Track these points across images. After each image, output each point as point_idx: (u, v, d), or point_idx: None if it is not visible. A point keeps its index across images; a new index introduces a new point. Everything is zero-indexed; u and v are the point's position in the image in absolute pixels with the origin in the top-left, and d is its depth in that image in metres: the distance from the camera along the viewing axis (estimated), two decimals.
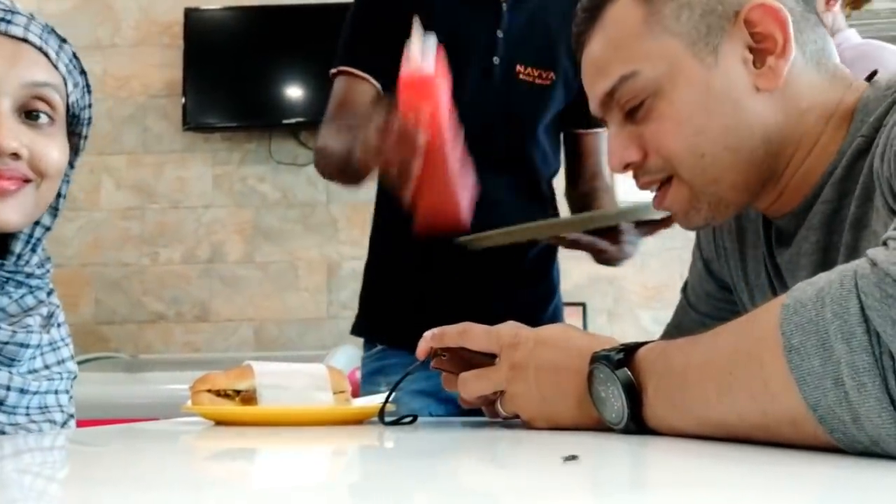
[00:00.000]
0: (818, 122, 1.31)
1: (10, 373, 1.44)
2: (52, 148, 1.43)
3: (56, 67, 1.45)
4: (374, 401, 1.53)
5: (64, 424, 1.53)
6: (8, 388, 1.43)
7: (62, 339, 1.60)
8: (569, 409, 1.18)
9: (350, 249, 5.37)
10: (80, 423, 1.60)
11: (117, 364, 4.47)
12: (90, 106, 1.55)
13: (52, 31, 1.47)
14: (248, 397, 1.43)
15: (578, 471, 0.76)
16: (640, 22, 1.34)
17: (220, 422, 1.42)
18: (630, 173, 1.42)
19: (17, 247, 1.50)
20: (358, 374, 4.81)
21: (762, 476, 0.72)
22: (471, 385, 1.28)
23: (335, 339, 5.20)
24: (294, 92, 5.42)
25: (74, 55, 1.51)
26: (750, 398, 0.88)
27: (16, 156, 1.36)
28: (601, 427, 1.13)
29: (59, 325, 1.60)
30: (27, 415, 1.47)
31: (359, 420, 1.43)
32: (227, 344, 5.29)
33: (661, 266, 5.35)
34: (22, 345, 1.46)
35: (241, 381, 1.43)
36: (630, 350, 1.10)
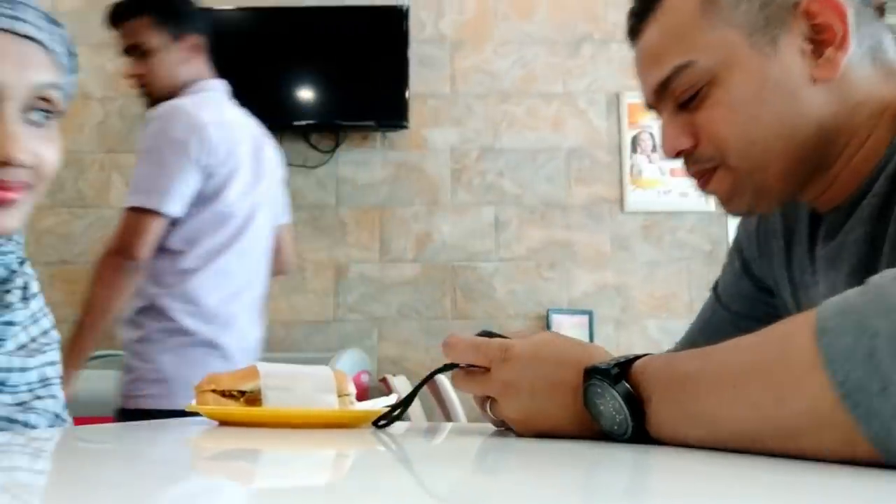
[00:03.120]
0: (872, 115, 1.32)
1: (3, 355, 1.43)
2: (52, 150, 1.40)
3: (59, 64, 1.42)
4: (378, 404, 1.53)
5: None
6: (9, 370, 1.42)
7: (41, 310, 1.57)
8: (564, 421, 1.17)
9: (358, 252, 5.38)
10: (83, 420, 1.61)
11: (120, 362, 4.47)
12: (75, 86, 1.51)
13: (50, 19, 1.42)
14: (252, 398, 1.43)
15: (577, 477, 0.76)
16: (697, 12, 1.35)
17: (224, 422, 1.43)
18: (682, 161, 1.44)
19: None
20: (364, 378, 4.83)
21: (762, 486, 0.72)
22: (463, 385, 1.28)
23: (341, 342, 5.21)
24: (304, 94, 5.43)
25: (68, 40, 1.46)
26: (769, 396, 0.86)
27: (16, 164, 1.33)
28: (597, 436, 1.12)
29: (34, 296, 1.55)
30: (30, 391, 1.46)
31: (363, 423, 1.43)
32: None
33: (669, 276, 5.35)
34: (8, 323, 1.45)
35: (247, 382, 1.44)
36: (624, 364, 1.09)
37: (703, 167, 1.41)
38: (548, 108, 5.56)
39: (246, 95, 5.51)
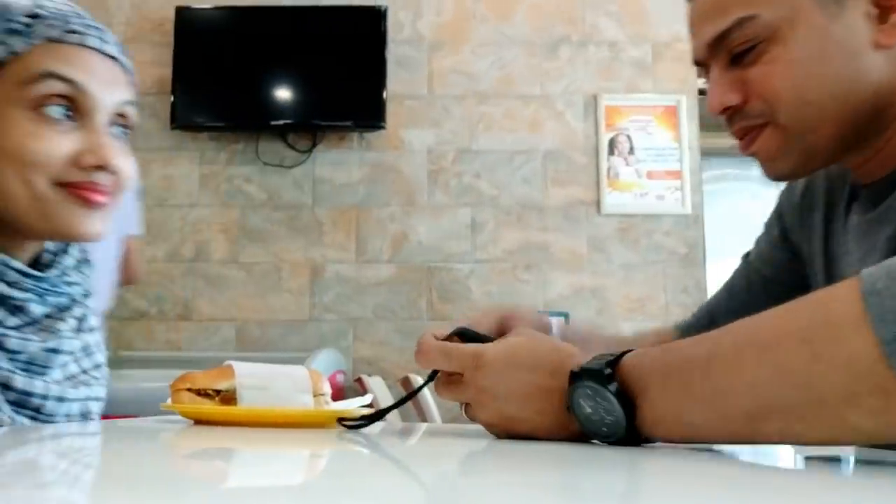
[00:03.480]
0: None
1: (45, 381, 1.45)
2: (130, 163, 1.48)
3: (132, 84, 1.53)
4: (354, 404, 1.53)
5: None
6: (45, 398, 1.44)
7: (97, 344, 1.62)
8: (542, 425, 1.14)
9: (334, 253, 5.38)
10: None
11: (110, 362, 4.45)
12: None
13: (120, 43, 1.53)
14: (228, 397, 1.43)
15: (559, 476, 0.76)
16: None
17: (199, 421, 1.42)
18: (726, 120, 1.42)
19: (48, 252, 1.55)
20: (339, 378, 4.82)
21: (755, 485, 0.72)
22: (439, 392, 1.25)
23: (317, 342, 5.21)
24: (283, 93, 5.43)
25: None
26: (803, 353, 0.84)
27: (111, 170, 1.42)
28: (575, 438, 1.11)
29: (91, 330, 1.61)
30: (69, 422, 1.47)
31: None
32: (209, 343, 5.29)
33: (645, 279, 5.37)
34: (53, 351, 1.47)
35: (222, 381, 1.43)
36: (613, 362, 1.06)
37: (752, 123, 1.38)
38: (525, 109, 5.57)
39: (224, 95, 5.52)
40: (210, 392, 1.43)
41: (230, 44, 5.49)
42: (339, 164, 5.50)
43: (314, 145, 5.49)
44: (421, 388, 1.30)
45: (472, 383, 1.19)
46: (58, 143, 1.38)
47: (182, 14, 5.44)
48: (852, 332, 0.79)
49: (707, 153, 5.59)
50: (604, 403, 1.04)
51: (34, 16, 1.40)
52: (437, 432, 1.47)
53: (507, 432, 1.18)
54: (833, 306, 0.83)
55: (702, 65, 1.45)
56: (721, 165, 6.39)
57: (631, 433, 1.03)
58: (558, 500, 0.64)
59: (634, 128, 5.48)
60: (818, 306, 0.86)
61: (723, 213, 6.14)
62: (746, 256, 1.78)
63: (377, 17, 5.47)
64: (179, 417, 1.48)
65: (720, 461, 0.88)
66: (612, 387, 1.03)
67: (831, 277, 1.53)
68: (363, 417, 1.35)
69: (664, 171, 5.43)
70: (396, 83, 5.55)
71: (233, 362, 1.46)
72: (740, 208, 6.20)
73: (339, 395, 4.85)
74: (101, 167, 1.41)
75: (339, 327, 5.35)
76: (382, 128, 5.45)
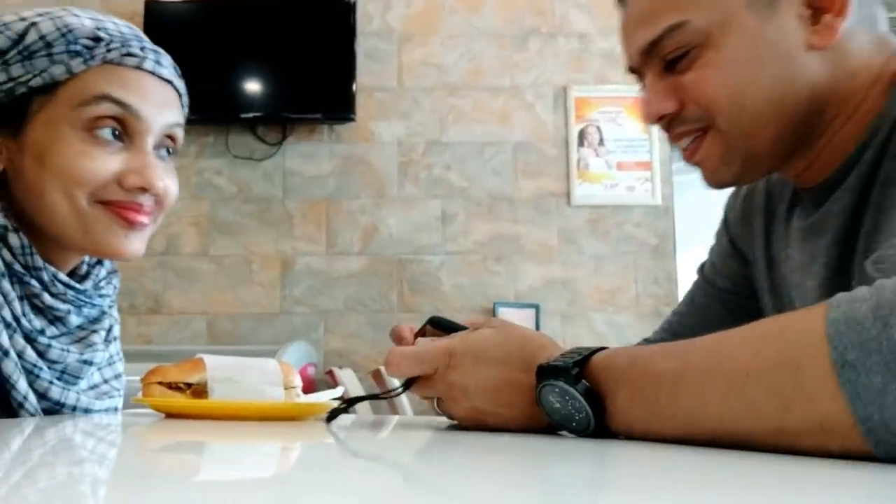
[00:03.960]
0: (863, 85, 1.32)
1: (77, 392, 1.50)
2: (174, 183, 1.54)
3: (182, 106, 1.60)
4: (324, 397, 1.53)
5: None
6: (74, 409, 1.48)
7: (117, 354, 1.67)
8: (513, 419, 1.16)
9: (305, 245, 5.37)
10: None
11: None
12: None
13: (175, 65, 1.59)
14: (199, 390, 1.43)
15: (530, 466, 0.76)
16: None
17: (171, 414, 1.42)
18: (661, 127, 1.43)
19: (85, 264, 1.61)
20: (310, 370, 4.82)
21: (733, 477, 0.72)
22: (414, 390, 1.24)
23: (288, 335, 5.20)
24: (253, 86, 5.41)
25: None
26: (773, 403, 0.83)
27: (153, 192, 1.48)
28: (547, 429, 1.13)
29: (115, 339, 1.65)
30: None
31: (310, 416, 1.43)
32: (180, 337, 5.27)
33: (616, 270, 5.38)
34: (87, 362, 1.51)
35: (193, 374, 1.44)
36: (581, 361, 1.07)
37: (690, 128, 1.38)
38: (495, 101, 5.57)
39: (193, 88, 5.49)
40: (181, 385, 1.43)
41: (199, 37, 5.47)
42: (310, 156, 5.49)
43: (284, 138, 5.48)
44: (400, 392, 1.29)
45: (442, 379, 1.20)
46: (104, 163, 1.43)
47: (151, 7, 5.42)
48: (827, 400, 0.79)
49: None
50: (572, 402, 1.05)
51: (96, 38, 1.47)
52: (408, 425, 1.48)
53: (478, 425, 1.19)
54: (803, 363, 0.81)
55: (636, 72, 1.46)
56: None
57: (600, 428, 1.04)
58: (529, 491, 0.64)
59: (604, 119, 5.49)
60: (784, 349, 0.84)
61: (693, 203, 6.15)
62: (702, 269, 1.79)
63: (346, 10, 5.46)
64: (151, 411, 1.48)
65: (695, 451, 0.87)
66: (580, 386, 1.04)
67: (773, 283, 1.56)
68: (345, 402, 1.35)
69: (634, 162, 5.45)
70: (366, 75, 5.54)
71: (204, 355, 1.46)
72: (710, 199, 6.20)
73: (309, 387, 4.85)
74: (144, 189, 1.46)
75: (310, 320, 5.34)
76: (352, 120, 5.44)
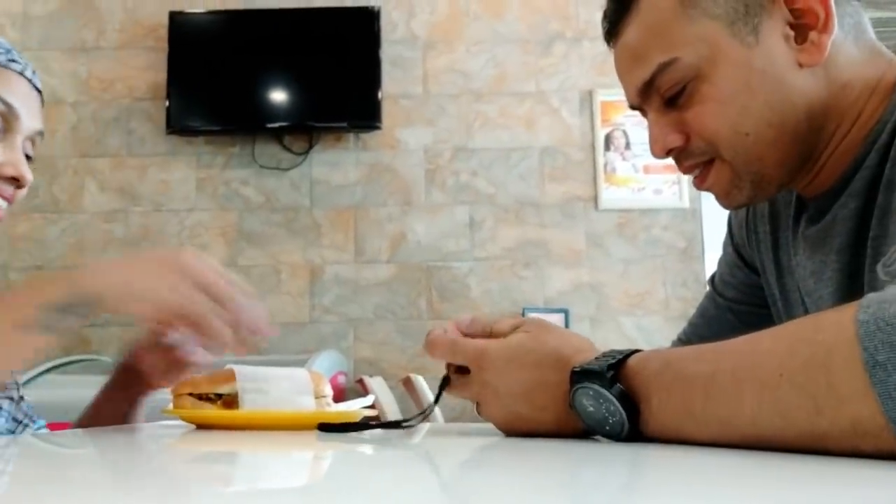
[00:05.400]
0: (860, 96, 1.31)
1: None
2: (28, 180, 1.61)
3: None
4: (354, 406, 1.53)
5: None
6: None
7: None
8: (546, 422, 1.16)
9: (333, 254, 5.38)
10: (60, 426, 1.61)
11: (98, 366, 4.45)
12: None
13: None
14: (229, 401, 1.43)
15: (569, 476, 0.76)
16: (676, 7, 1.33)
17: (201, 425, 1.42)
18: (672, 159, 1.42)
19: None
20: (341, 379, 4.82)
21: (766, 481, 0.72)
22: (451, 390, 1.27)
23: (317, 344, 5.21)
24: (278, 96, 5.43)
25: None
26: (805, 405, 0.83)
27: (19, 185, 1.58)
28: (581, 434, 1.12)
29: None
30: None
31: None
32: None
33: (645, 274, 5.37)
34: None
35: (224, 385, 1.44)
36: (616, 365, 1.06)
37: (698, 161, 1.39)
38: (520, 106, 5.57)
39: (218, 98, 5.52)
40: (212, 396, 1.43)
41: (224, 47, 5.49)
42: (336, 165, 5.50)
43: (310, 147, 5.49)
44: (439, 394, 1.29)
45: (476, 380, 1.21)
46: None
47: (176, 19, 5.44)
48: (859, 401, 0.78)
49: None
50: (606, 405, 1.05)
51: None
52: (440, 432, 1.47)
53: (512, 430, 1.20)
54: (834, 364, 0.81)
55: (638, 109, 1.45)
56: None
57: (633, 432, 1.04)
58: (562, 494, 0.64)
59: (630, 123, 5.47)
60: (815, 351, 0.83)
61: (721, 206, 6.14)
62: (712, 281, 1.78)
63: (370, 18, 5.47)
64: (181, 422, 1.48)
65: (730, 454, 0.86)
66: (615, 390, 1.04)
67: (784, 290, 1.55)
68: (378, 424, 1.35)
69: (661, 165, 5.43)
70: (391, 83, 5.55)
71: (234, 366, 1.46)
72: None
73: (340, 396, 4.86)
74: (15, 178, 1.56)
75: (340, 328, 5.34)
76: (378, 128, 5.45)
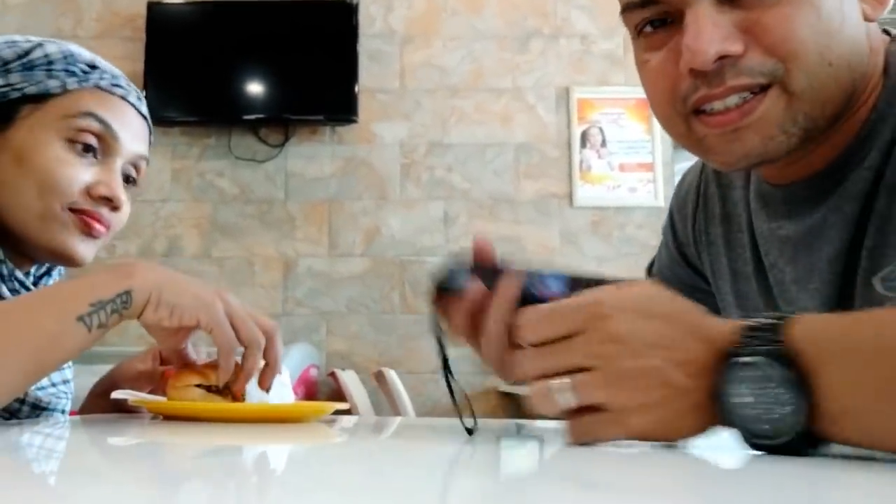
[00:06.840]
0: (875, 68, 1.14)
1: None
2: (128, 207, 1.63)
3: (150, 144, 1.70)
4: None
5: None
6: (22, 402, 1.50)
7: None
8: (681, 413, 0.87)
9: (307, 247, 5.37)
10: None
11: (114, 357, 4.43)
12: None
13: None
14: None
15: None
16: None
17: (168, 417, 1.43)
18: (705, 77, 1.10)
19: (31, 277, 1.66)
20: (313, 372, 4.82)
21: None
22: (524, 368, 0.95)
23: (290, 336, 5.20)
24: (255, 88, 5.42)
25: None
26: None
27: (115, 208, 1.58)
28: (693, 434, 0.88)
29: None
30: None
31: (314, 418, 1.44)
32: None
33: (618, 271, 5.34)
34: None
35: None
36: (777, 332, 0.82)
37: (752, 81, 1.07)
38: (496, 103, 5.57)
39: (195, 89, 5.50)
40: (217, 387, 1.44)
41: (201, 39, 5.48)
42: (311, 158, 5.49)
43: (286, 139, 5.48)
44: (449, 382, 1.06)
45: (591, 339, 0.89)
46: (79, 172, 1.53)
47: (154, 9, 5.42)
48: None
49: (679, 145, 5.59)
50: (772, 390, 0.80)
51: (92, 66, 1.59)
52: (412, 426, 1.48)
53: (657, 406, 0.87)
54: None
55: (666, 12, 1.13)
56: (693, 157, 6.38)
57: (805, 433, 0.80)
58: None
59: (606, 120, 5.48)
60: None
61: None
62: (649, 270, 1.68)
63: (348, 12, 5.47)
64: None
65: None
66: (793, 369, 0.80)
67: (740, 295, 1.39)
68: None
69: (636, 163, 5.44)
70: (368, 77, 5.54)
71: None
72: None
73: (312, 389, 4.86)
74: (109, 199, 1.55)
75: (312, 321, 5.34)
76: (354, 121, 5.45)
